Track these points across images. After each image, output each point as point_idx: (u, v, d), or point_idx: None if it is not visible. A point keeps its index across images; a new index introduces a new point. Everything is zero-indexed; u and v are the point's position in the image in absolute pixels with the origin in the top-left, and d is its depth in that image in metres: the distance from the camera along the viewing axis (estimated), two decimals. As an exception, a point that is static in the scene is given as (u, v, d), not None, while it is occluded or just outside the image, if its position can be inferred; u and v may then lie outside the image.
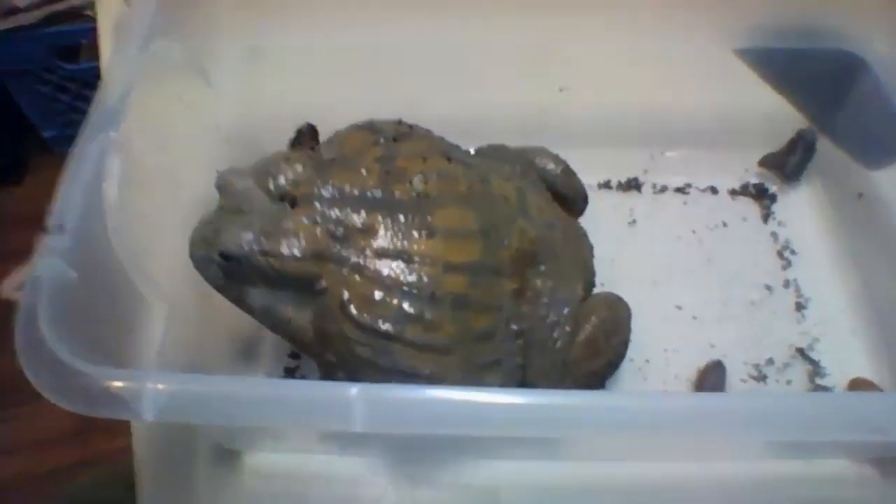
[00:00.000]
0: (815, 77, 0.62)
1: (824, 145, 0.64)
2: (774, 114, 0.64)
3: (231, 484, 0.45)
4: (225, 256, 0.41)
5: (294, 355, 0.52)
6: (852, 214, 0.60)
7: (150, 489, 0.42)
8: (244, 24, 0.58)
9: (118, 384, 0.30)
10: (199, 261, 0.42)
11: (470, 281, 0.42)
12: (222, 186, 0.43)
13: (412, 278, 0.41)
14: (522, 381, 0.46)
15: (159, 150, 0.48)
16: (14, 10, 1.11)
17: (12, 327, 0.33)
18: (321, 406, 0.32)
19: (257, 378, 0.33)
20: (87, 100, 0.55)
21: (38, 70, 1.20)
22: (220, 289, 0.43)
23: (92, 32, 0.56)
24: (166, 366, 0.40)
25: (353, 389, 0.32)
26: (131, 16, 0.49)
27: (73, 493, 0.60)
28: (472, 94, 0.61)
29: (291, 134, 0.50)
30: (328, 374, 0.44)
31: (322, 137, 0.49)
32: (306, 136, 0.52)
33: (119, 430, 0.48)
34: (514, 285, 0.45)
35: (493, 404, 0.33)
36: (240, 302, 0.43)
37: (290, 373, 0.51)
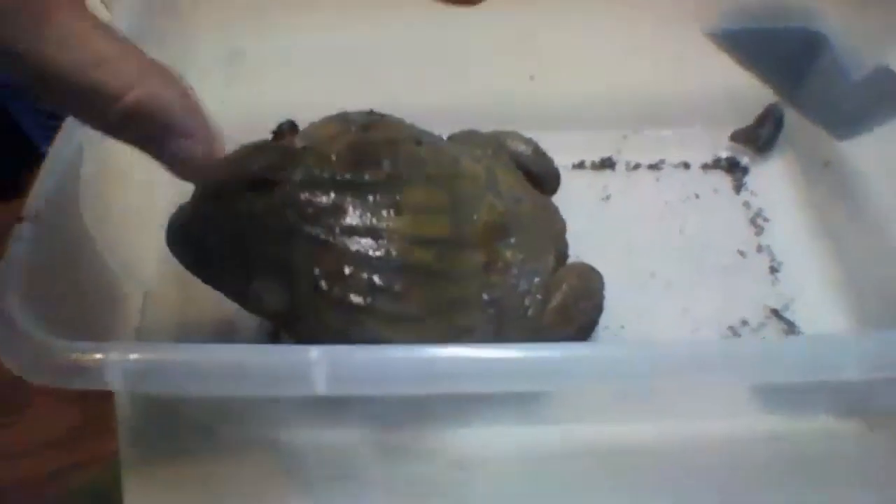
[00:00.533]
0: (781, 54, 0.65)
1: (793, 118, 0.65)
2: (743, 91, 0.66)
3: (213, 464, 0.46)
4: (199, 241, 0.42)
5: (274, 336, 0.53)
6: (821, 182, 0.61)
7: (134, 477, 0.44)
8: (222, 27, 0.60)
9: (85, 354, 0.32)
10: (175, 247, 0.44)
11: (438, 253, 0.44)
12: (196, 176, 0.45)
13: (380, 252, 0.42)
14: None
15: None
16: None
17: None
18: (284, 369, 0.33)
19: (217, 345, 0.34)
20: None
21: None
22: (196, 273, 0.44)
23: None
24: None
25: (315, 351, 0.33)
26: (112, 21, 0.51)
27: (68, 494, 0.62)
28: (446, 84, 0.62)
29: (271, 133, 0.51)
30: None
31: (301, 134, 0.51)
32: (287, 133, 0.54)
33: (113, 432, 0.49)
34: (484, 258, 0.46)
35: (462, 358, 0.34)
36: (216, 284, 0.44)
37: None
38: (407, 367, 0.34)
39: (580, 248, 0.54)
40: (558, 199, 0.57)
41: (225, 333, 0.51)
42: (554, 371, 0.35)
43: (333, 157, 0.45)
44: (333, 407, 0.44)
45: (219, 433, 0.46)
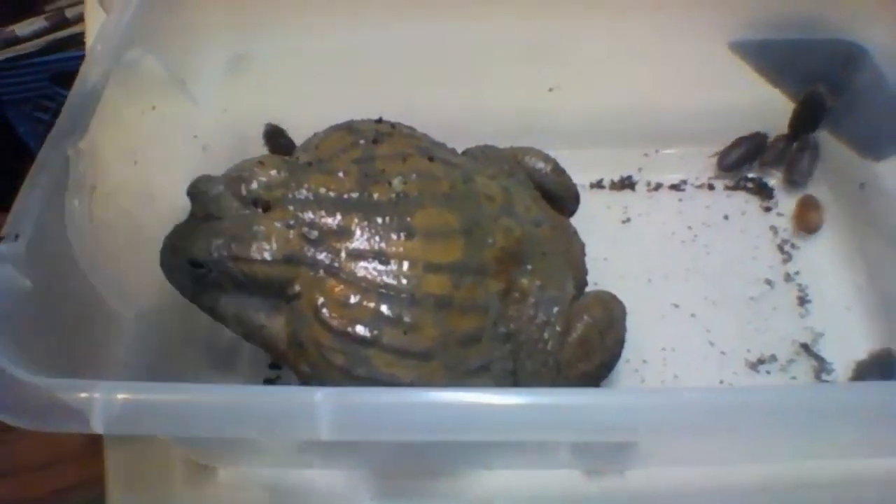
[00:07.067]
0: (812, 69, 0.61)
1: (822, 137, 0.62)
2: (770, 107, 0.62)
3: (206, 501, 0.43)
4: (194, 263, 0.39)
5: (274, 366, 0.50)
6: (855, 206, 0.58)
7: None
8: (224, 33, 0.58)
9: (65, 394, 0.29)
10: (169, 269, 0.41)
11: (452, 281, 0.41)
12: (194, 194, 0.42)
13: (390, 280, 0.39)
14: (513, 386, 0.44)
15: (131, 160, 0.47)
16: (14, 41, 1.12)
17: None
18: (283, 413, 0.30)
19: (214, 385, 0.30)
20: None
21: (37, 98, 1.21)
22: (191, 298, 0.41)
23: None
24: (133, 379, 0.38)
25: (318, 394, 0.30)
26: (106, 26, 0.48)
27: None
28: (461, 96, 0.59)
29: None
30: (305, 385, 0.42)
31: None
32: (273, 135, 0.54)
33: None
34: (500, 285, 0.43)
35: (472, 405, 0.31)
36: (212, 311, 0.41)
37: (269, 384, 0.50)
38: (417, 415, 0.31)
39: (598, 275, 0.51)
40: (576, 219, 0.54)
41: (221, 362, 0.48)
42: (579, 422, 0.32)
43: (340, 174, 0.42)
44: (342, 445, 0.41)
45: (213, 470, 0.43)
